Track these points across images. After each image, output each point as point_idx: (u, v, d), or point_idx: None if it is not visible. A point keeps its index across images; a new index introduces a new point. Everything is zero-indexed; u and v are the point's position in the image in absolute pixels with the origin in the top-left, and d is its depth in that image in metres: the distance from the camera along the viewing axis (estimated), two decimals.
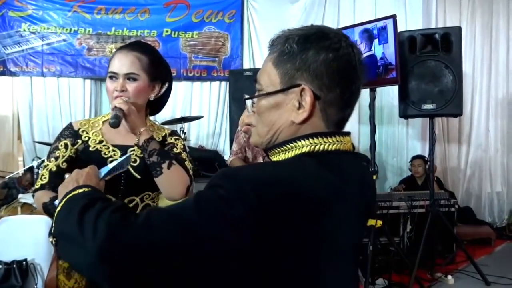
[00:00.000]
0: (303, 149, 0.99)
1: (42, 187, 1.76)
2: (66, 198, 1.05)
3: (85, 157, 1.78)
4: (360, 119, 6.15)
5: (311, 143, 0.99)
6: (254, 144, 1.09)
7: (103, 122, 1.88)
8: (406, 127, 6.16)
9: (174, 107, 6.16)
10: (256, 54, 6.21)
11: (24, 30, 5.76)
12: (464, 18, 6.24)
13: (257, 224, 0.85)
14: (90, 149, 1.79)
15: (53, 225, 1.04)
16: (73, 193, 1.06)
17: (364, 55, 4.23)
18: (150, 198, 1.84)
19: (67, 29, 5.84)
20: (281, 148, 1.02)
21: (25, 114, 5.83)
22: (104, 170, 1.39)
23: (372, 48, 4.24)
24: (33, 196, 1.79)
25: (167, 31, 6.10)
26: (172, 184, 1.71)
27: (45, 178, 1.77)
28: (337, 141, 1.01)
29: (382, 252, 4.34)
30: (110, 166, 1.42)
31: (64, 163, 1.78)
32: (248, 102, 1.08)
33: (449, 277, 4.32)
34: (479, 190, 6.33)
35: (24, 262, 3.34)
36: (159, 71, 1.84)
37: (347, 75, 1.00)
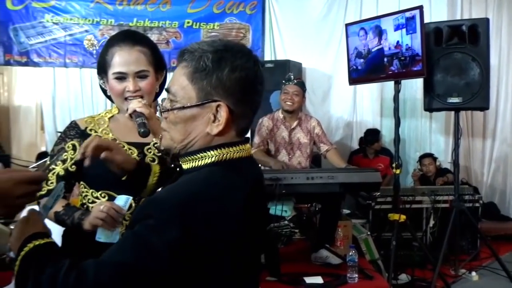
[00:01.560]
0: (212, 159, 1.12)
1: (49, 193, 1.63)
2: (21, 256, 1.07)
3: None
4: (382, 112, 6.07)
5: (218, 153, 1.12)
6: (166, 147, 1.20)
7: (109, 118, 1.78)
8: (429, 120, 6.06)
9: None
10: (277, 45, 6.14)
11: (47, 21, 5.80)
12: (490, 10, 6.09)
13: (191, 240, 0.97)
14: None
15: (15, 283, 1.07)
16: (25, 249, 1.08)
17: (375, 48, 4.25)
18: None
19: (89, 20, 5.87)
20: (193, 156, 1.14)
21: (48, 104, 5.88)
22: (43, 209, 1.31)
23: (382, 42, 4.20)
24: (38, 203, 1.58)
25: (188, 22, 6.08)
26: None
27: (52, 183, 1.64)
28: (240, 150, 1.15)
29: (405, 247, 4.29)
30: (47, 203, 1.31)
31: (73, 166, 1.66)
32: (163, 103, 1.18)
33: (473, 273, 4.27)
34: (503, 185, 6.21)
35: None
36: (159, 60, 1.74)
37: (255, 90, 1.14)
